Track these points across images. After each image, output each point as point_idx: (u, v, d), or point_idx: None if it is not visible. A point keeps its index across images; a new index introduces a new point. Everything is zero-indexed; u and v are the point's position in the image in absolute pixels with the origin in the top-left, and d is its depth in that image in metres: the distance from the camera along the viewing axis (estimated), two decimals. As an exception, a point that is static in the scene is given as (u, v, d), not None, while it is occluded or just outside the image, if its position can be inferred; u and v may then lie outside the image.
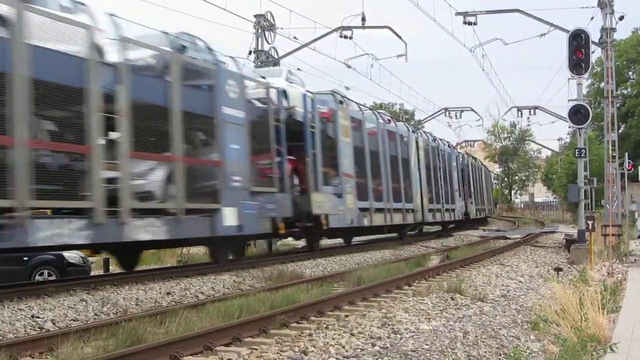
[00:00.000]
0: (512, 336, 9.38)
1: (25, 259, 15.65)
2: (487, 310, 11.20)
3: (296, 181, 20.41)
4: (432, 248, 26.90)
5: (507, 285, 14.86)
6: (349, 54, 60.45)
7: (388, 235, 30.49)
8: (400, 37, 32.99)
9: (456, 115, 57.16)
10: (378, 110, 31.14)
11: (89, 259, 17.79)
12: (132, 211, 13.19)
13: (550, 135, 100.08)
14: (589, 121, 22.24)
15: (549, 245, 28.10)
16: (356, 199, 23.48)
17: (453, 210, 38.32)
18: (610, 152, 27.39)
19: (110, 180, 12.87)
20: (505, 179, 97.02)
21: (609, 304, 10.77)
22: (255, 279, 15.64)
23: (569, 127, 46.87)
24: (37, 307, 10.77)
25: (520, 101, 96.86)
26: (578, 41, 20.14)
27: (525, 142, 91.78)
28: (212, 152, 16.22)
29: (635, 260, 19.42)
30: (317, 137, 21.08)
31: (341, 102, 24.02)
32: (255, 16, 29.34)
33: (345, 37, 30.45)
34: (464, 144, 65.90)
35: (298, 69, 29.32)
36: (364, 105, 27.87)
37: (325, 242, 26.91)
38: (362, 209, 24.05)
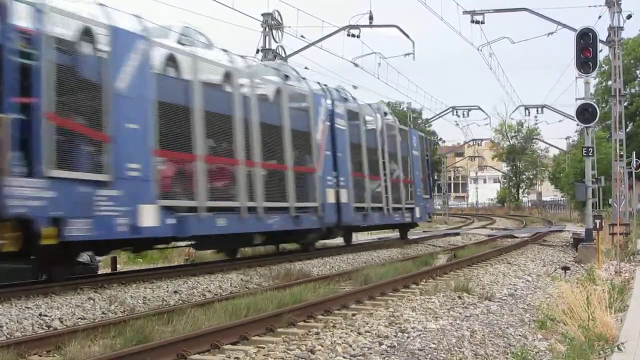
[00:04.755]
0: (520, 335, 9.39)
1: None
2: (494, 309, 11.21)
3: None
4: (439, 247, 26.90)
5: (514, 284, 14.84)
6: (356, 52, 60.43)
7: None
8: (407, 36, 32.83)
9: (464, 114, 57.10)
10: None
11: (97, 257, 17.80)
12: None
13: (557, 134, 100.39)
14: (596, 120, 22.19)
15: (557, 244, 28.06)
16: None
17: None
18: (617, 150, 27.28)
19: None
20: (513, 178, 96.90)
21: (616, 303, 10.75)
22: (262, 277, 15.67)
23: (577, 125, 46.91)
24: (44, 306, 10.81)
25: (527, 100, 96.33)
26: (585, 40, 20.08)
27: (533, 140, 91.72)
28: None
29: (643, 259, 19.35)
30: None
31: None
32: (262, 15, 29.35)
33: (353, 35, 30.38)
34: (471, 143, 65.72)
35: (305, 68, 29.22)
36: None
37: (330, 241, 26.89)
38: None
